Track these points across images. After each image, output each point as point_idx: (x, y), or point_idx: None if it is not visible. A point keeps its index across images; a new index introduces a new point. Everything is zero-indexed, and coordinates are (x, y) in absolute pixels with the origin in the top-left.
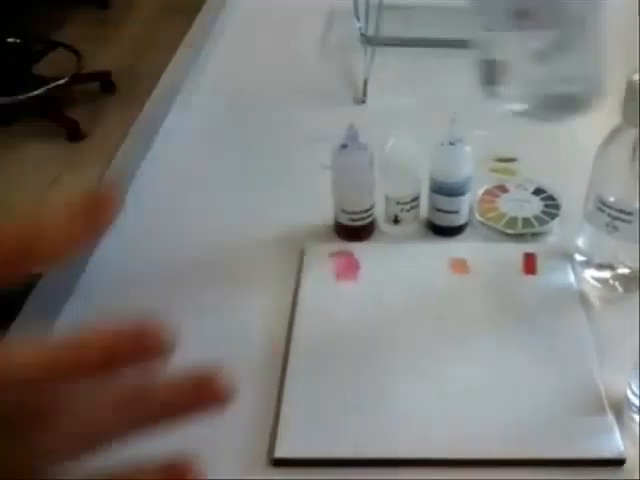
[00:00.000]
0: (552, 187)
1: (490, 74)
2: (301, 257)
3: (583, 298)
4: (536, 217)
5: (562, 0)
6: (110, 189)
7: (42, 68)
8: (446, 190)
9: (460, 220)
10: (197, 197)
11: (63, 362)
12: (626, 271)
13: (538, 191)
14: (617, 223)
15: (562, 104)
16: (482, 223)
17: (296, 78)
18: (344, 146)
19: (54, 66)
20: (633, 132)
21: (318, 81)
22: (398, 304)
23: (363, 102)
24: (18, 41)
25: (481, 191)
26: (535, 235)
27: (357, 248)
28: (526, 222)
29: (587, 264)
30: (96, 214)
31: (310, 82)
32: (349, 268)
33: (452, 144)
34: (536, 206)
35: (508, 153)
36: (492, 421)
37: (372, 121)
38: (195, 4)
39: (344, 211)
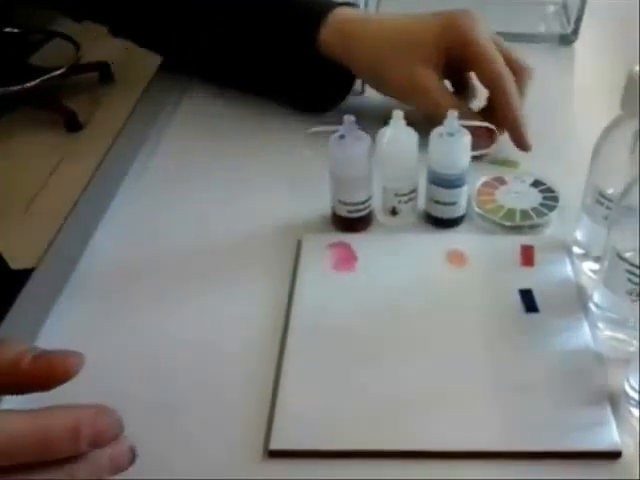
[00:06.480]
0: (551, 179)
1: None
2: (298, 248)
3: (581, 291)
4: (534, 209)
5: None
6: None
7: (40, 58)
8: (444, 182)
9: (458, 212)
10: (194, 188)
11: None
12: None
13: (537, 183)
14: None
15: None
16: (480, 215)
17: None
18: (342, 137)
19: (52, 56)
20: (633, 124)
21: None
22: (395, 296)
23: (361, 93)
24: (16, 31)
25: (479, 183)
26: (533, 227)
27: (354, 239)
28: (524, 214)
29: (585, 257)
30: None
31: None
32: (346, 259)
33: (451, 135)
34: (534, 198)
35: None
36: (488, 413)
37: (370, 112)
38: None
39: (342, 202)
